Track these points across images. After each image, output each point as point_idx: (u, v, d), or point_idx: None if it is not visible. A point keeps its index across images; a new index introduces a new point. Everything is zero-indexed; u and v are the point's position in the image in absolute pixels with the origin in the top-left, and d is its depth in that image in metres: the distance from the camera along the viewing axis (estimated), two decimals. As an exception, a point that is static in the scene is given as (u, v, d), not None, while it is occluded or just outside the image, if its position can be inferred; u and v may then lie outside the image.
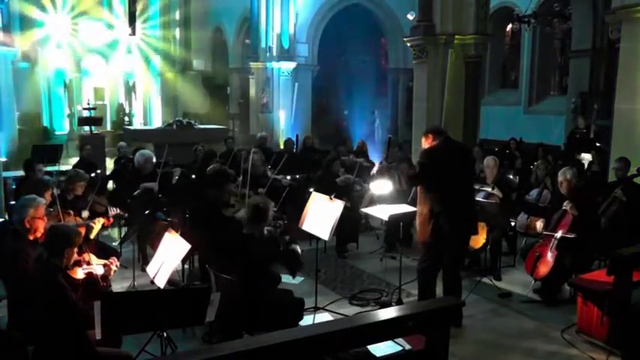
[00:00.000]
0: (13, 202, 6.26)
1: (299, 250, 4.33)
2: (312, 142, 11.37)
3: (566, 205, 5.26)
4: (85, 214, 5.21)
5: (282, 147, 12.55)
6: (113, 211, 5.44)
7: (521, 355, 4.30)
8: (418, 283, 4.81)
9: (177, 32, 21.62)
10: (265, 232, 4.24)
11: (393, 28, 17.52)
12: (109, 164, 11.26)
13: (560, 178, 5.45)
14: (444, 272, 4.77)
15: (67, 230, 3.47)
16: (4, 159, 11.09)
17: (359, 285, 5.79)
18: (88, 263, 3.69)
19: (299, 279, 5.78)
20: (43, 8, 18.46)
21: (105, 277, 3.74)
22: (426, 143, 4.73)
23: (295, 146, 10.82)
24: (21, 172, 7.63)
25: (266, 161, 7.74)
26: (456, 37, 9.38)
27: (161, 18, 21.71)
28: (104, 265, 3.80)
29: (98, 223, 4.81)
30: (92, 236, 4.70)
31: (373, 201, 6.69)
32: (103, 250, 4.92)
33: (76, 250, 3.48)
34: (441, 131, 4.80)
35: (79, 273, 3.56)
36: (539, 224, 5.58)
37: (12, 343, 3.24)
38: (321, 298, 5.15)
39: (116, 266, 3.87)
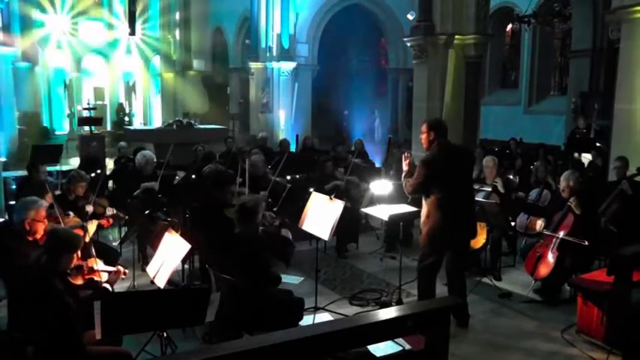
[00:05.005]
0: (13, 202, 6.26)
1: (289, 235, 4.28)
2: (312, 142, 11.37)
3: (572, 202, 5.23)
4: (89, 207, 5.22)
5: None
6: (110, 211, 5.44)
7: (521, 355, 4.30)
8: (418, 283, 4.77)
9: (177, 32, 21.63)
10: (260, 231, 4.19)
11: (393, 28, 17.53)
12: (109, 164, 11.26)
13: (562, 183, 5.39)
14: (448, 274, 4.76)
15: (67, 236, 3.41)
16: (4, 159, 11.10)
17: (359, 285, 5.78)
18: (92, 269, 3.66)
19: (299, 279, 5.78)
20: (43, 9, 18.48)
21: (110, 283, 3.69)
22: (423, 136, 4.54)
23: (295, 146, 10.84)
24: (21, 172, 7.64)
25: (266, 162, 7.72)
26: (456, 37, 9.39)
27: (161, 18, 21.74)
28: (110, 273, 3.73)
29: (92, 225, 4.80)
30: (87, 239, 4.65)
31: (373, 201, 6.69)
32: (103, 250, 4.93)
33: (75, 256, 3.46)
34: (442, 130, 4.55)
35: (80, 280, 3.53)
36: (540, 223, 5.57)
37: (12, 343, 3.24)
38: (321, 298, 5.15)
39: (124, 274, 3.80)
